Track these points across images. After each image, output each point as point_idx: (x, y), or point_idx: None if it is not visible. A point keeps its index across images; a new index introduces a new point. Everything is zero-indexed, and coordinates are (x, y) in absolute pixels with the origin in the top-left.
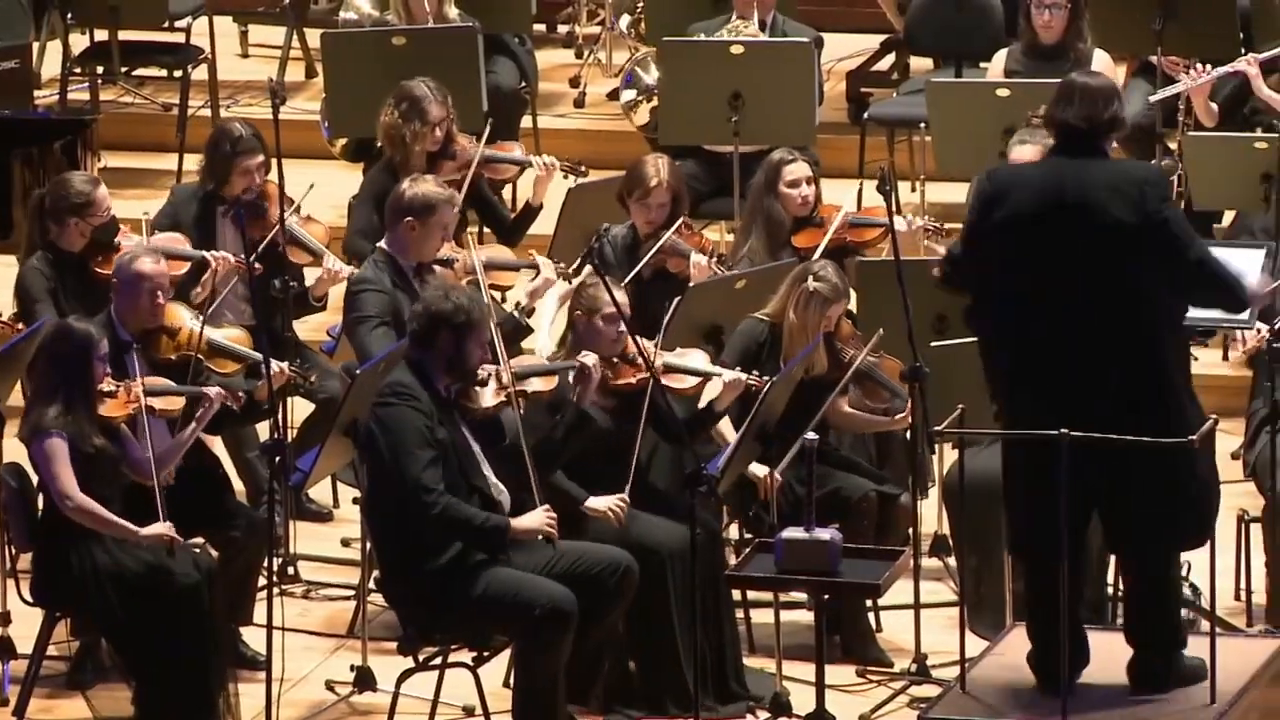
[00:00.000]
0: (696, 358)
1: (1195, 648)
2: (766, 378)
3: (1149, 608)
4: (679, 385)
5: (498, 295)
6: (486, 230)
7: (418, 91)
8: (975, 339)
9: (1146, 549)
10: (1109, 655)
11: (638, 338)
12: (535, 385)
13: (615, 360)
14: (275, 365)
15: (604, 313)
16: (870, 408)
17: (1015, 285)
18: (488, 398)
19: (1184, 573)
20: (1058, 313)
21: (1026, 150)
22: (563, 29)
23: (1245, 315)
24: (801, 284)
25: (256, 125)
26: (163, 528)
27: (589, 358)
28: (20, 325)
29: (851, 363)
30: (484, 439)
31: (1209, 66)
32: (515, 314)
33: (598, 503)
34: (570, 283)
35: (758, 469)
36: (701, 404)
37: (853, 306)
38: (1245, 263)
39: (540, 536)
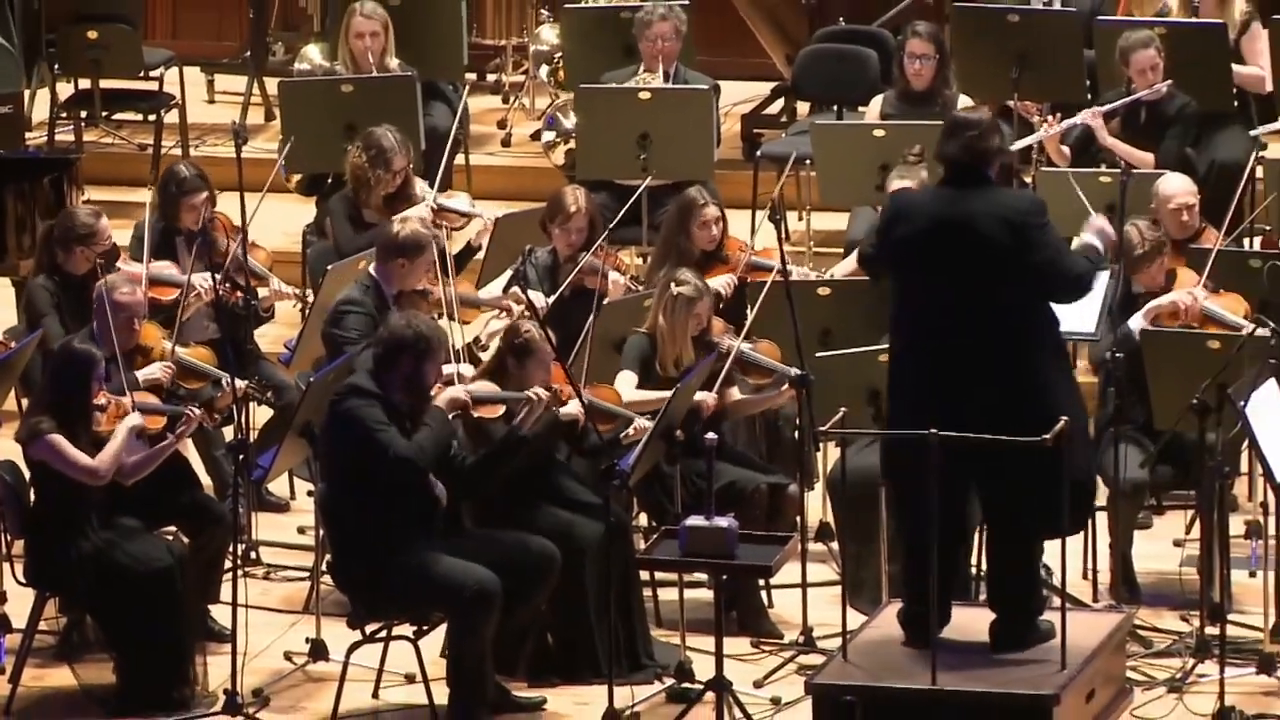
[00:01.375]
0: (624, 389)
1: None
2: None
3: (1015, 578)
4: (604, 426)
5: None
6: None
7: (385, 142)
8: (855, 350)
9: (1017, 533)
10: (972, 627)
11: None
12: (485, 410)
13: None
14: (239, 382)
15: (537, 356)
16: (758, 386)
17: (907, 296)
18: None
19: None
20: (942, 321)
21: (901, 185)
22: (491, 77)
23: (1091, 327)
24: (667, 291)
25: (220, 163)
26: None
27: (541, 391)
28: (11, 343)
29: (729, 353)
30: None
31: (1059, 115)
32: (473, 345)
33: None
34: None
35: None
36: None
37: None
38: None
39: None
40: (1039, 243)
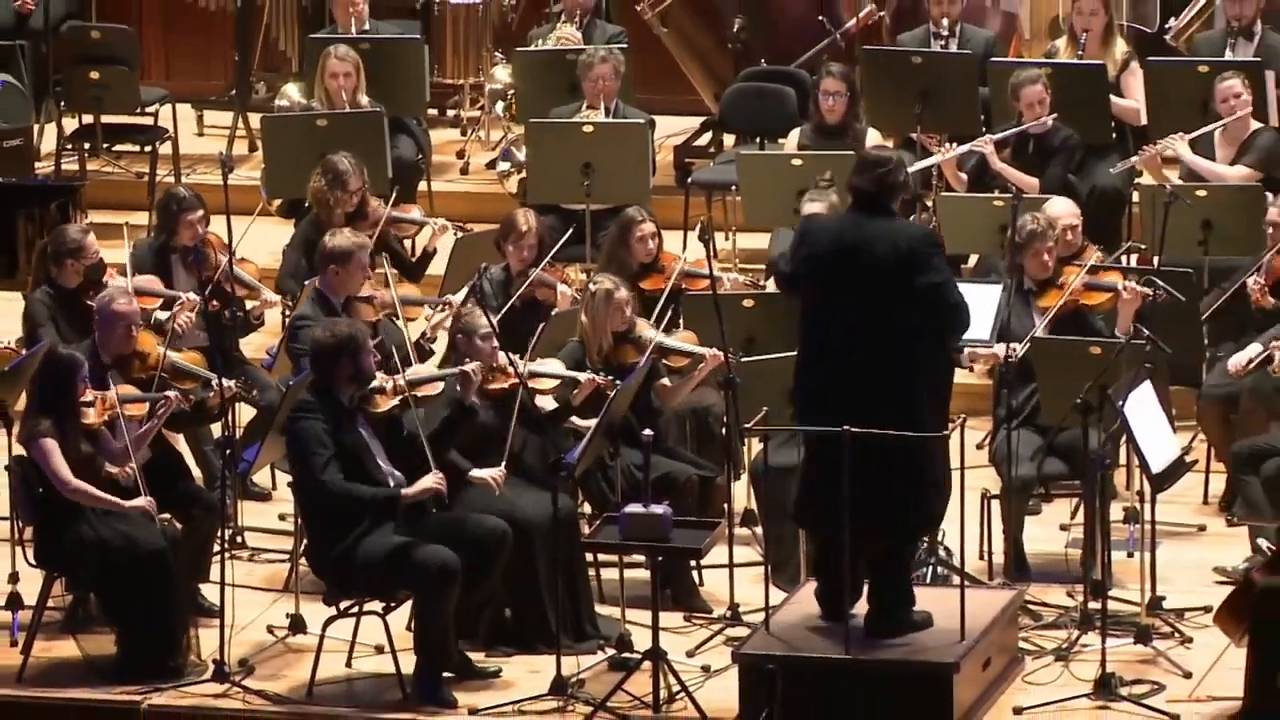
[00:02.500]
0: (555, 365)
1: (948, 597)
2: (613, 378)
3: (889, 573)
4: (543, 386)
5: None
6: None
7: (340, 166)
8: (776, 356)
9: (887, 530)
10: None
11: (505, 351)
12: (425, 390)
13: (492, 369)
14: (227, 383)
15: (480, 333)
16: (679, 369)
17: (812, 312)
18: (387, 403)
19: (940, 539)
20: (841, 336)
21: (814, 206)
22: (451, 112)
23: (986, 334)
24: (587, 290)
25: (208, 189)
26: (143, 501)
27: (470, 365)
28: (22, 349)
29: (649, 343)
30: (384, 435)
31: (956, 143)
32: (421, 340)
33: (481, 473)
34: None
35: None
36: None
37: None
38: (986, 295)
39: (433, 494)
40: (928, 268)
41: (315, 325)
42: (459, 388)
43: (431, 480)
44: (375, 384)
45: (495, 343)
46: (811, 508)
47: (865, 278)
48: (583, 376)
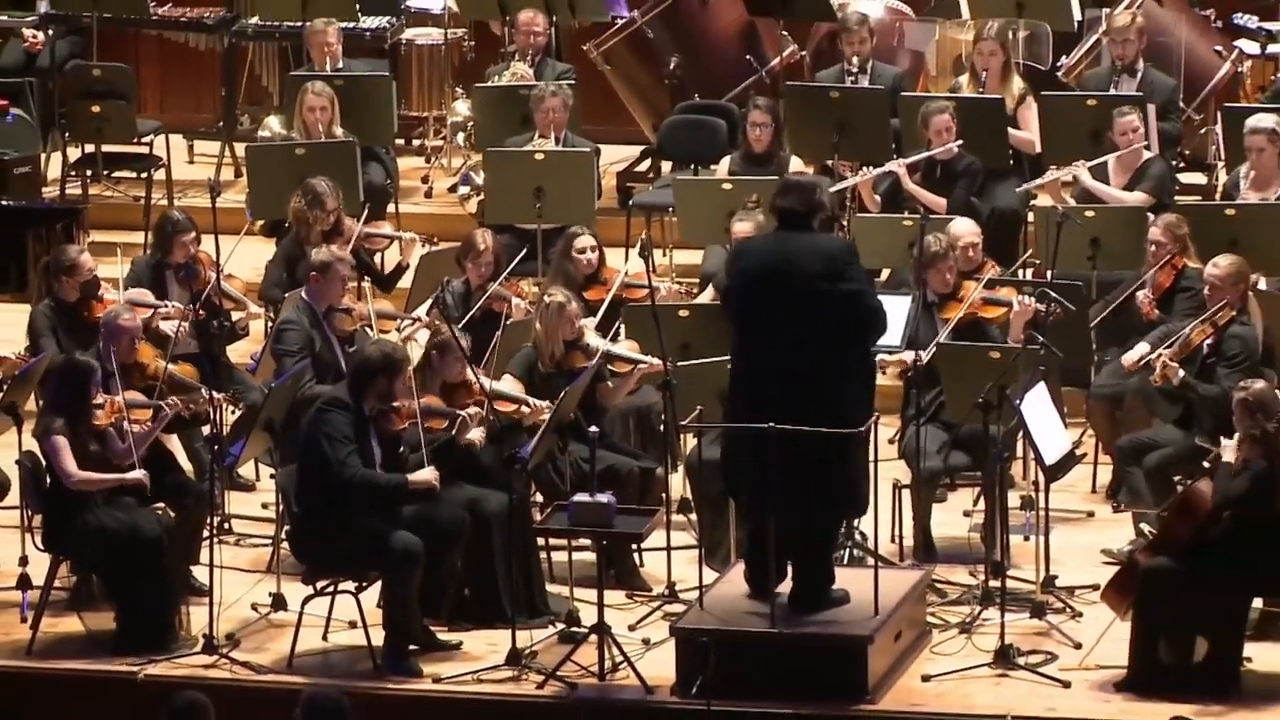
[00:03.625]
0: (512, 385)
1: (863, 577)
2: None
3: (813, 554)
4: (506, 408)
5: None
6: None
7: (319, 188)
8: (709, 360)
9: (812, 515)
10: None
11: (475, 370)
12: (432, 422)
13: (462, 384)
14: (217, 395)
15: (454, 353)
16: (626, 375)
17: (747, 321)
18: (400, 424)
19: (856, 525)
20: (771, 341)
21: (742, 226)
22: (416, 142)
23: (897, 341)
24: (542, 302)
25: (198, 211)
26: (139, 473)
27: (470, 410)
28: (29, 357)
29: (597, 351)
30: (386, 446)
31: (870, 168)
32: None
33: (418, 475)
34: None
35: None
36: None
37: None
38: (897, 306)
39: (427, 487)
40: (849, 277)
41: (297, 329)
42: (456, 429)
43: (430, 474)
44: (394, 405)
45: (467, 361)
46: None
47: (795, 289)
48: (534, 402)
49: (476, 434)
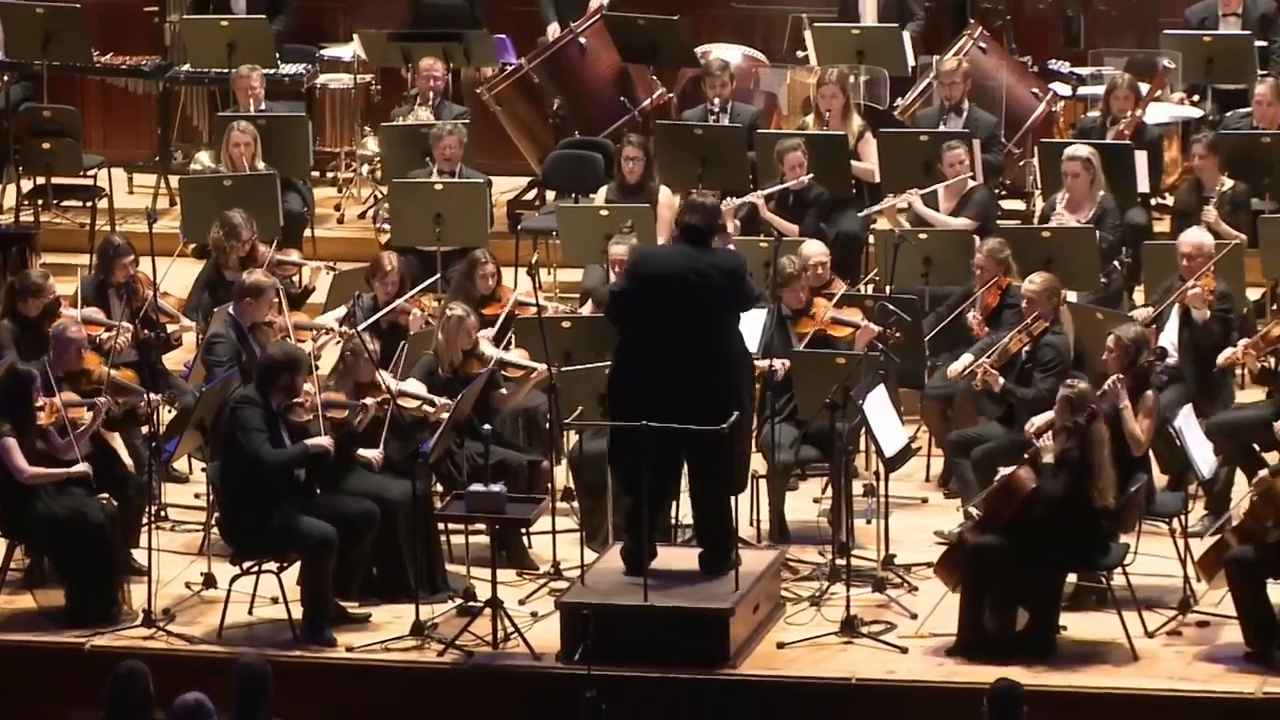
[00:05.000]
0: (417, 386)
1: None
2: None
3: (717, 523)
4: (410, 405)
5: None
6: None
7: (235, 220)
8: (589, 366)
9: (712, 491)
10: (673, 562)
11: (381, 372)
12: (334, 413)
13: (371, 385)
14: (154, 396)
15: (363, 355)
16: (517, 380)
17: (641, 325)
18: (304, 416)
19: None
20: (672, 339)
21: (618, 249)
22: (329, 174)
23: (753, 348)
24: (443, 315)
25: (137, 236)
26: (83, 467)
27: (369, 401)
28: None
29: (491, 359)
30: (295, 438)
31: (732, 198)
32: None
33: (365, 453)
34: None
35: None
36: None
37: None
38: (753, 317)
39: (325, 451)
40: (749, 288)
41: (226, 341)
42: (357, 416)
43: (327, 440)
44: (298, 400)
45: (375, 364)
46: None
47: (697, 295)
48: (440, 401)
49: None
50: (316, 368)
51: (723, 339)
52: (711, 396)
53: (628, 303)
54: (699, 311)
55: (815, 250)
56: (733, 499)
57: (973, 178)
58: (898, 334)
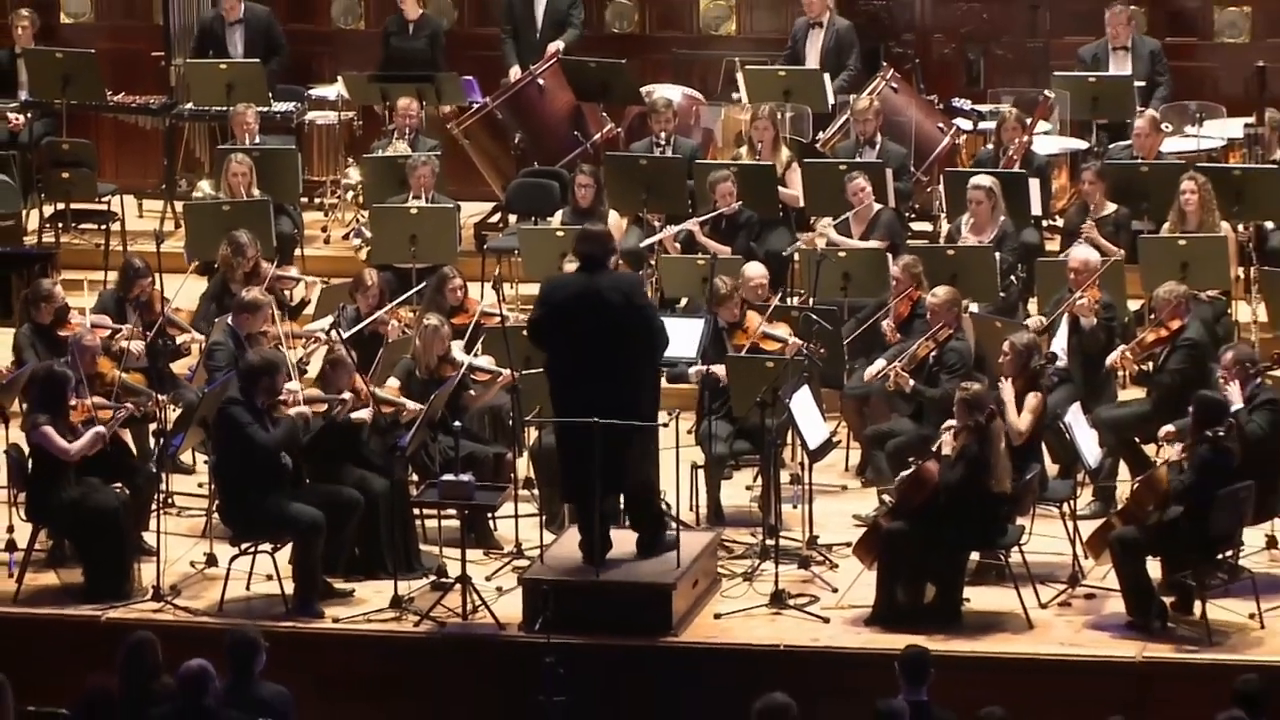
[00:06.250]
0: (393, 392)
1: (667, 538)
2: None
3: (646, 512)
4: (388, 409)
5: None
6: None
7: (241, 240)
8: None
9: (632, 486)
10: (622, 544)
11: (361, 376)
12: (314, 406)
13: (352, 389)
14: (161, 397)
15: (342, 362)
16: (485, 383)
17: (560, 344)
18: (287, 411)
19: (662, 496)
20: (581, 358)
21: (573, 265)
22: (317, 200)
23: (692, 354)
24: (421, 324)
25: (146, 255)
26: (102, 429)
27: (348, 395)
28: (13, 370)
29: (463, 364)
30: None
31: (672, 225)
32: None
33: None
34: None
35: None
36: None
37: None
38: (693, 327)
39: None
40: (640, 304)
41: (225, 349)
42: (336, 409)
43: (306, 409)
44: (281, 398)
45: (352, 370)
46: (571, 484)
47: (604, 317)
48: (411, 406)
49: (364, 414)
50: (305, 371)
51: (626, 352)
52: (617, 405)
53: (542, 328)
54: (601, 329)
55: (756, 272)
56: (658, 491)
57: (880, 202)
58: (821, 350)
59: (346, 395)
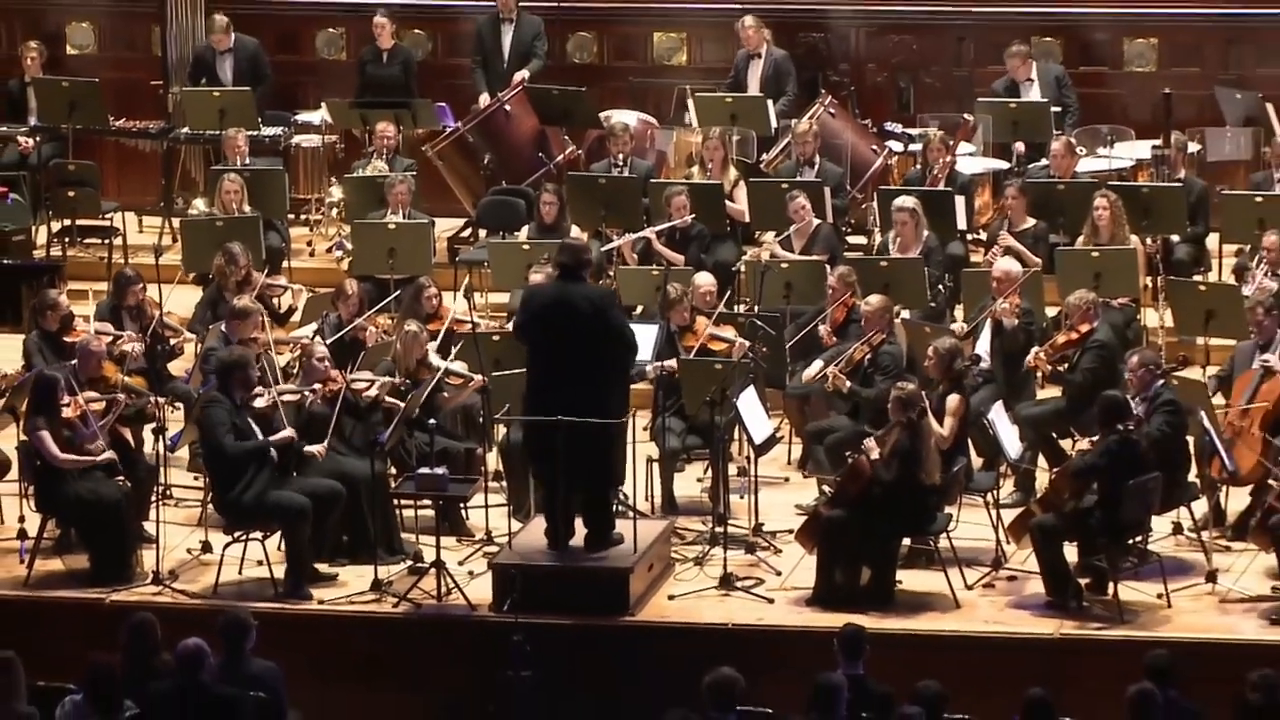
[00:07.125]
0: (368, 378)
1: (625, 525)
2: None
3: (598, 510)
4: (358, 387)
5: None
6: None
7: (234, 250)
8: (516, 371)
9: (594, 482)
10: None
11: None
12: (287, 398)
13: (326, 378)
14: (160, 398)
15: (317, 357)
16: (458, 385)
17: (537, 350)
18: (262, 403)
19: (620, 487)
20: (558, 364)
21: (537, 276)
22: (303, 216)
23: (648, 357)
24: (401, 329)
25: (146, 267)
26: (108, 454)
27: (318, 386)
28: (25, 373)
29: (439, 368)
30: (260, 423)
31: (630, 234)
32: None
33: (311, 448)
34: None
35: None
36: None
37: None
38: (648, 332)
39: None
40: (611, 315)
41: (219, 350)
42: (310, 399)
43: (288, 432)
44: (256, 391)
45: (328, 362)
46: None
47: (574, 324)
48: (381, 383)
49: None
50: (293, 371)
51: (595, 358)
52: (584, 408)
53: (523, 331)
54: (574, 336)
55: (705, 281)
56: (614, 491)
57: (818, 217)
58: (765, 350)
59: (317, 386)
